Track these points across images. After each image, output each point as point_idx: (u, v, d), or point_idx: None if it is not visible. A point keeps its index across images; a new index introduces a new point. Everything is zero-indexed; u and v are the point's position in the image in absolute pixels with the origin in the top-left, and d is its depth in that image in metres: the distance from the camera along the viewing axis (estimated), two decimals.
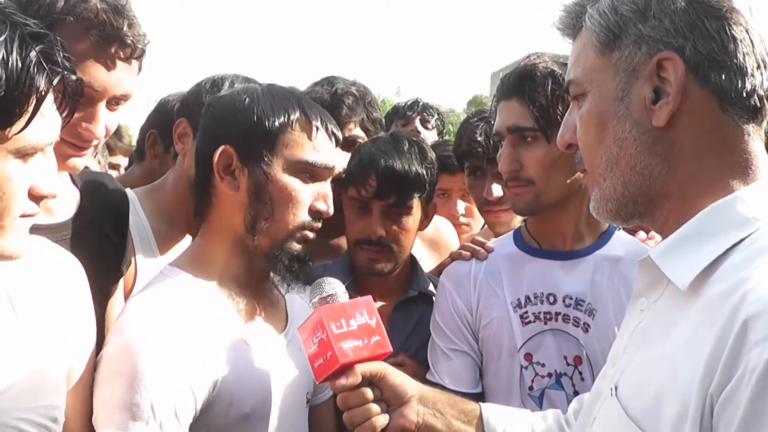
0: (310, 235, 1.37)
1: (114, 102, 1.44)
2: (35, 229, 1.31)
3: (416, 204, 1.80)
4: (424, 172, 1.79)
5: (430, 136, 3.21)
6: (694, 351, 0.78)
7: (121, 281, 1.70)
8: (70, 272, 1.26)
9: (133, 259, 1.78)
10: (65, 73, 1.01)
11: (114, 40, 1.38)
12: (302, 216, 1.34)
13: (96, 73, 1.37)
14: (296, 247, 1.35)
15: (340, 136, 1.43)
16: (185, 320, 1.25)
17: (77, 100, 1.07)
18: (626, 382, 0.91)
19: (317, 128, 1.35)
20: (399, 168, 1.75)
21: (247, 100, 1.35)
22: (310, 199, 1.35)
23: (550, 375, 1.60)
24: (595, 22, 0.94)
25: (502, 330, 1.63)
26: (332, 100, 1.96)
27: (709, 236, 0.86)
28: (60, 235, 1.41)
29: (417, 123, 3.16)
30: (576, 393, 1.54)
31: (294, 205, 1.33)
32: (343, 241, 2.01)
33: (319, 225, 1.38)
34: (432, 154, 1.86)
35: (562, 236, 1.66)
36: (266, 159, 1.32)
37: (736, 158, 0.89)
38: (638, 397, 0.86)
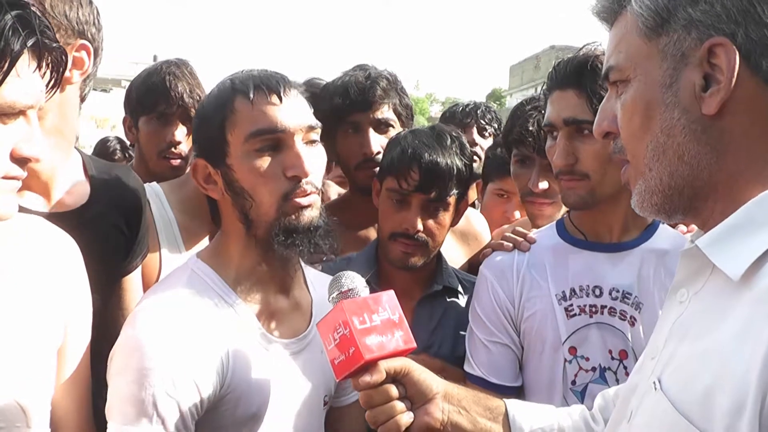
0: (303, 201, 1.31)
1: None
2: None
3: (453, 200, 1.80)
4: (464, 168, 1.79)
5: (485, 144, 3.10)
6: (748, 343, 0.76)
7: (138, 275, 1.70)
8: (63, 250, 1.28)
9: (158, 253, 1.80)
10: (44, 39, 1.02)
11: None
12: (277, 188, 1.30)
13: None
14: (291, 220, 1.31)
15: (286, 91, 1.32)
16: (198, 317, 1.26)
17: (62, 71, 1.08)
18: (671, 375, 0.88)
19: (250, 99, 1.29)
20: (443, 163, 1.74)
21: (199, 111, 1.42)
22: (279, 168, 1.30)
23: (594, 369, 1.58)
24: (642, 6, 0.91)
25: (546, 323, 1.61)
26: (367, 82, 1.99)
27: (762, 225, 0.83)
28: (66, 224, 1.40)
29: (474, 133, 3.03)
30: None
31: (262, 182, 1.29)
32: (371, 233, 2.01)
33: (306, 188, 1.31)
34: (469, 150, 1.86)
35: (608, 228, 1.63)
36: (226, 153, 1.32)
37: None
38: (687, 391, 0.83)
